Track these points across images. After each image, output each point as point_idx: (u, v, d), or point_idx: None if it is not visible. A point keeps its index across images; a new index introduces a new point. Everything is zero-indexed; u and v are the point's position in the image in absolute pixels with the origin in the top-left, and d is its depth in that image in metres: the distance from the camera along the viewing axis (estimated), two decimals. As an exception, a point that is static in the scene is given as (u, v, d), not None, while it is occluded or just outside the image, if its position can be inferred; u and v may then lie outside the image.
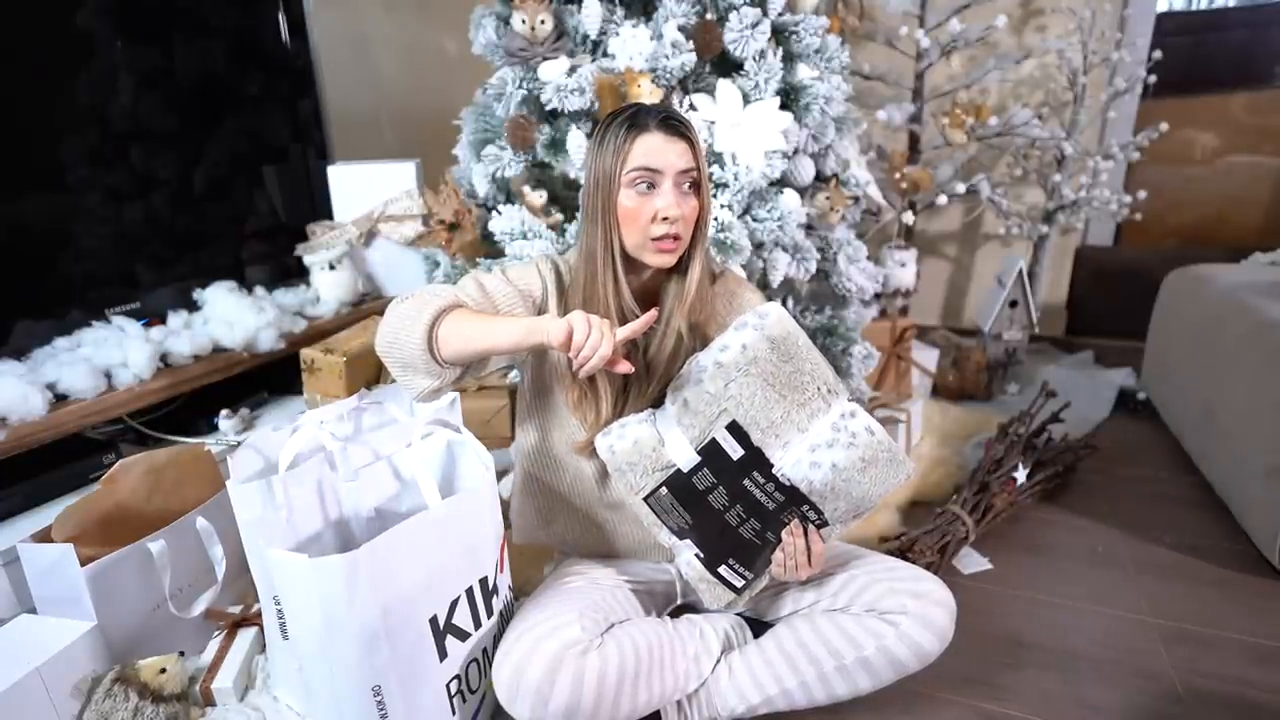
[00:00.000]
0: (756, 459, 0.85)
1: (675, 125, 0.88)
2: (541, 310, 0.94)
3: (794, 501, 0.86)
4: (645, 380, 0.94)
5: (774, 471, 0.84)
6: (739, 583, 0.91)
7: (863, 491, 0.84)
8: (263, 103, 1.75)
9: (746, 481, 0.86)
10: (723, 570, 0.91)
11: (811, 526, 0.88)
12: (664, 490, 0.88)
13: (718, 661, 0.97)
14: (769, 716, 0.98)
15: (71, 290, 1.37)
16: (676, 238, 0.89)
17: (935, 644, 0.90)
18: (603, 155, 0.88)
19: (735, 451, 0.85)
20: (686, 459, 0.86)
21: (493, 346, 0.82)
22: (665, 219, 0.87)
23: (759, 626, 1.03)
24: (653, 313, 0.83)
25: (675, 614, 1.04)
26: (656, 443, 0.87)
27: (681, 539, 0.90)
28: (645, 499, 0.89)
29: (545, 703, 0.80)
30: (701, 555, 0.90)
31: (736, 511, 0.87)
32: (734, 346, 0.84)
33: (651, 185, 0.87)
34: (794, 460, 0.84)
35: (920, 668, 0.91)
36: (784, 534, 0.87)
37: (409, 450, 1.04)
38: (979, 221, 2.65)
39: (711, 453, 0.86)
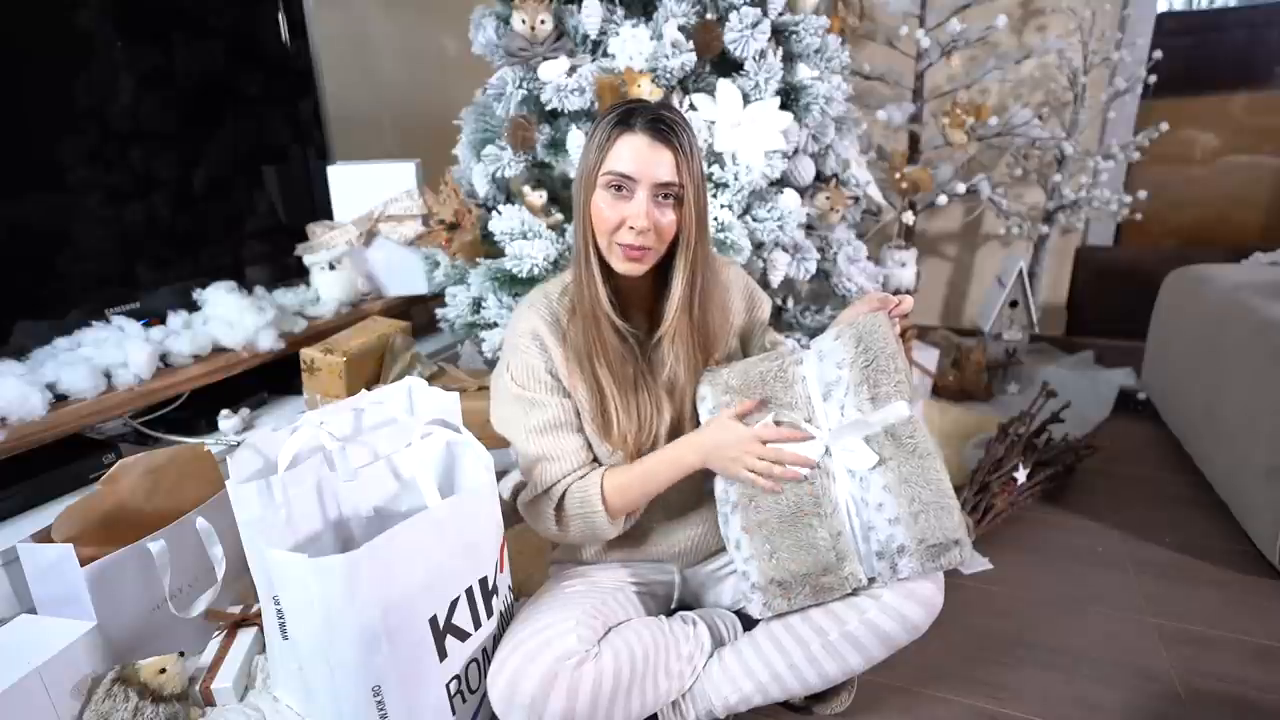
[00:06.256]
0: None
1: (664, 131, 0.84)
2: (556, 374, 0.94)
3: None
4: (651, 390, 0.96)
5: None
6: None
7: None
8: (263, 103, 1.76)
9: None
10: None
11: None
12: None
13: (710, 657, 0.97)
14: (767, 712, 0.98)
15: (71, 290, 1.37)
16: (646, 248, 0.87)
17: (921, 614, 0.88)
18: (587, 150, 0.87)
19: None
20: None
21: (668, 487, 0.94)
22: (632, 228, 0.85)
23: (754, 626, 1.02)
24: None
25: (671, 613, 1.04)
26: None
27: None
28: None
29: (540, 717, 0.80)
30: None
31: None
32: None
33: (623, 189, 0.85)
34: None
35: (910, 639, 0.89)
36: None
37: (408, 450, 1.04)
38: (979, 221, 2.65)
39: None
